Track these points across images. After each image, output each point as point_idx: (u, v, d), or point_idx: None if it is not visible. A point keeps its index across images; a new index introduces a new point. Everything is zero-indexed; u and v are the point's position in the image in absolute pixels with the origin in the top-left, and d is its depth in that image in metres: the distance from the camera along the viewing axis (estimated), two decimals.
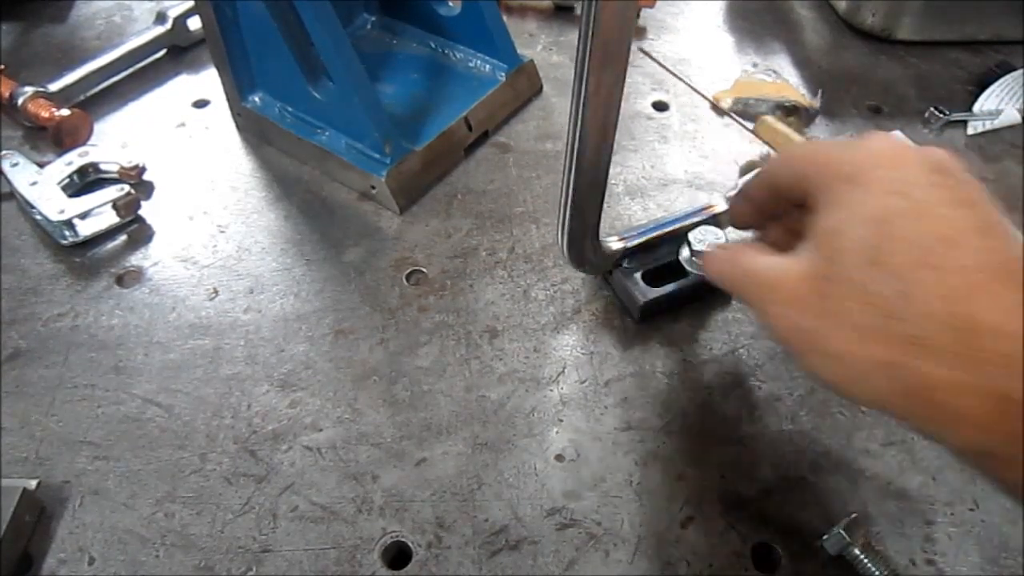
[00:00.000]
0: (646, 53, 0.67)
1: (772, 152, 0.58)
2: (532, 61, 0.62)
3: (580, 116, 0.36)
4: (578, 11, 0.70)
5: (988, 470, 0.27)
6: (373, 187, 0.53)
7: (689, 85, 0.64)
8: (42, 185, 0.52)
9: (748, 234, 0.41)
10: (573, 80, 0.36)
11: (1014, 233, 0.27)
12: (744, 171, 0.56)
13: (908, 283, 0.26)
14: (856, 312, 0.28)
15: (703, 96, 0.63)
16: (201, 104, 0.63)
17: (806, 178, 0.32)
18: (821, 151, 0.32)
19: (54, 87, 0.59)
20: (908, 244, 0.27)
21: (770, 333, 0.33)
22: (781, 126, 0.58)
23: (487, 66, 0.61)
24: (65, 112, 0.57)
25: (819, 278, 0.29)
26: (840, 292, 0.28)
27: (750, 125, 0.61)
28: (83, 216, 0.51)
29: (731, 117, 0.61)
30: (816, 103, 0.61)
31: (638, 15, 0.71)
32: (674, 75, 0.64)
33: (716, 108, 0.62)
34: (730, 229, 0.47)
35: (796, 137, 0.58)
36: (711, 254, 0.38)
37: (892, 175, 0.29)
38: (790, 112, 0.61)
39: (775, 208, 0.36)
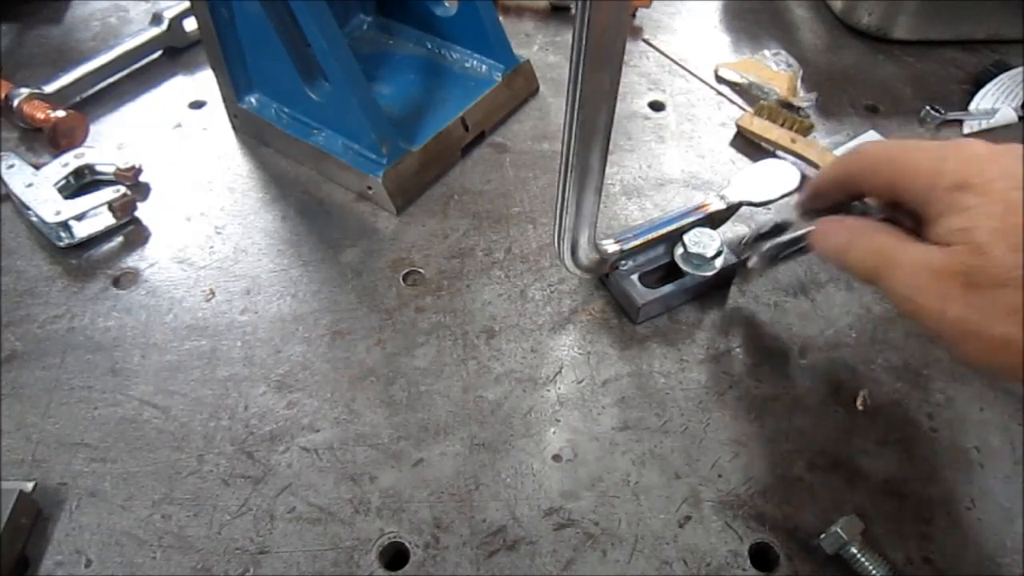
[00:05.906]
0: (649, 43, 0.67)
1: (773, 151, 0.58)
2: (528, 61, 0.62)
3: (575, 118, 0.36)
4: (574, 11, 0.70)
5: None
6: (370, 188, 0.53)
7: (688, 70, 0.64)
8: (38, 187, 0.52)
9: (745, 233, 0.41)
10: (567, 82, 0.36)
11: None
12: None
13: None
14: (1011, 296, 0.29)
15: (702, 80, 0.64)
16: (197, 105, 0.63)
17: (897, 185, 0.35)
18: (908, 162, 0.34)
19: (50, 88, 0.59)
20: None
21: (919, 322, 0.33)
22: (766, 123, 0.58)
23: (483, 66, 0.61)
24: (61, 113, 0.56)
25: (963, 272, 0.31)
26: (990, 280, 0.30)
27: (744, 105, 0.61)
28: (79, 218, 0.51)
29: (722, 95, 0.62)
30: (805, 103, 0.61)
31: (634, 15, 0.71)
32: (673, 60, 0.64)
33: (718, 78, 0.64)
34: (722, 231, 0.47)
35: (778, 137, 0.57)
36: (830, 226, 0.38)
37: (1003, 173, 0.31)
38: (785, 107, 0.60)
39: (836, 201, 0.40)
